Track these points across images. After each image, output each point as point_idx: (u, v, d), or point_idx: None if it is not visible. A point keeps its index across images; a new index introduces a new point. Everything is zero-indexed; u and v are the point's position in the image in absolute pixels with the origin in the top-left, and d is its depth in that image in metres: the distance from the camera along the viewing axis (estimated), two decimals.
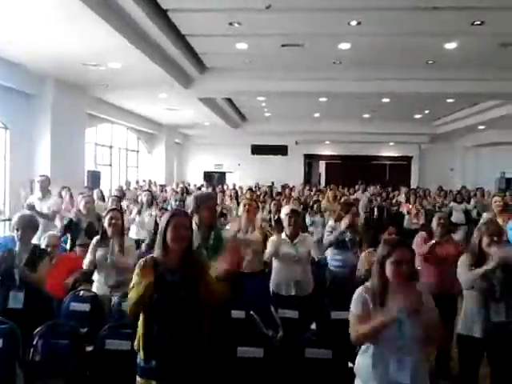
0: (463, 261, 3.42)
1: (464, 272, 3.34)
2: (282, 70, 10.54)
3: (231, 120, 17.71)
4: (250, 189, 11.31)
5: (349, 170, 21.82)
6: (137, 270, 2.57)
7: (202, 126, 18.73)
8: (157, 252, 2.62)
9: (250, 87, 11.16)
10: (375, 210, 10.01)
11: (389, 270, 2.36)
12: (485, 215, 6.53)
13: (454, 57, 9.17)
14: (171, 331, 2.47)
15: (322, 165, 24.08)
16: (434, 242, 4.28)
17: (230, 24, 7.55)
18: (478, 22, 7.27)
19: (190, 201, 3.67)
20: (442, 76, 10.34)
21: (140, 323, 2.55)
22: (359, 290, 2.46)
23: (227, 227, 5.00)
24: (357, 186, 14.36)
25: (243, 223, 4.81)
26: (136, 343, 2.56)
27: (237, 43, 8.65)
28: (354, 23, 7.44)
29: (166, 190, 12.88)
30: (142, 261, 2.62)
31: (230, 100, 15.02)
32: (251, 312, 3.54)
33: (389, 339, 2.27)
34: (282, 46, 8.76)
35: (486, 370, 3.41)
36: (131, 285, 2.54)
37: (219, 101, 14.21)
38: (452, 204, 10.99)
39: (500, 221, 5.61)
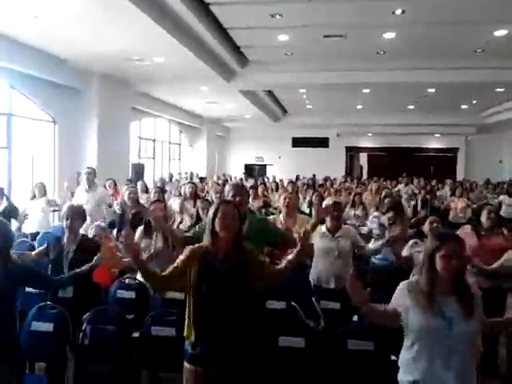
0: None
1: None
2: (324, 62, 10.44)
3: (272, 113, 17.70)
4: (292, 181, 11.28)
5: (392, 163, 21.40)
6: (183, 254, 2.64)
7: (243, 119, 18.84)
8: (206, 241, 2.65)
9: (292, 79, 11.12)
10: (419, 203, 9.77)
11: (439, 263, 2.26)
12: None
13: (504, 44, 8.82)
14: (221, 319, 2.51)
15: (364, 157, 23.74)
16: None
17: (272, 16, 7.54)
18: None
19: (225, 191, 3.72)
20: (492, 65, 9.99)
21: (189, 311, 2.60)
22: (402, 286, 2.39)
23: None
24: (400, 179, 14.08)
25: (283, 216, 4.80)
26: (186, 330, 2.61)
27: (278, 35, 8.63)
28: (398, 12, 7.28)
29: (206, 183, 13.02)
30: (190, 248, 2.67)
31: (271, 93, 15.02)
32: (292, 303, 3.56)
33: (437, 337, 2.20)
34: (324, 36, 8.67)
35: None
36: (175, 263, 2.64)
37: (260, 94, 14.22)
38: (502, 197, 10.60)
39: None
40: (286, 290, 3.92)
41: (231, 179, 15.01)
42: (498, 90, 12.83)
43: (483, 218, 4.34)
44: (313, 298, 3.66)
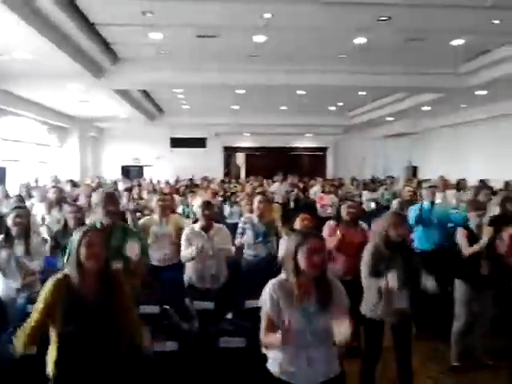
0: (368, 250, 3.56)
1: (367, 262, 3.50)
2: (198, 62, 10.42)
3: (148, 112, 17.28)
4: (168, 182, 11.16)
5: (268, 162, 22.11)
6: (45, 291, 2.41)
7: (118, 119, 18.11)
8: (71, 272, 2.45)
9: (166, 79, 10.93)
10: (291, 200, 10.22)
11: (301, 259, 2.34)
12: (394, 202, 6.91)
13: (363, 51, 9.51)
14: (87, 356, 2.34)
15: (242, 157, 24.25)
16: (339, 236, 4.42)
17: (143, 13, 7.34)
18: (385, 18, 7.59)
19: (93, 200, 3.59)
20: (353, 70, 10.71)
21: (52, 345, 2.40)
22: (269, 285, 2.43)
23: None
24: (275, 177, 14.59)
25: (157, 218, 4.73)
26: (49, 366, 2.40)
27: (150, 33, 8.42)
28: (267, 16, 7.48)
29: (78, 186, 12.29)
30: (52, 281, 2.44)
31: (146, 92, 14.66)
32: (166, 306, 3.49)
33: (300, 332, 2.28)
34: (198, 36, 8.66)
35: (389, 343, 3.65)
36: (36, 303, 2.39)
37: (134, 92, 13.81)
38: (364, 192, 11.48)
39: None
40: (160, 292, 3.86)
41: (106, 182, 14.40)
42: (360, 93, 13.88)
43: (343, 213, 4.66)
44: (186, 300, 3.63)
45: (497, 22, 7.64)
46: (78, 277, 2.41)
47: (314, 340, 2.30)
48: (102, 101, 13.80)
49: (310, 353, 2.30)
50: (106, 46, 9.38)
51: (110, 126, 20.41)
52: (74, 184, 11.97)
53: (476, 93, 12.06)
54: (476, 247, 4.18)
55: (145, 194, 9.82)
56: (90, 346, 2.36)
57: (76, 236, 2.49)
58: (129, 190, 8.45)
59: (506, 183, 10.24)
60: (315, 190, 11.65)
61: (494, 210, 4.25)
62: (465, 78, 10.94)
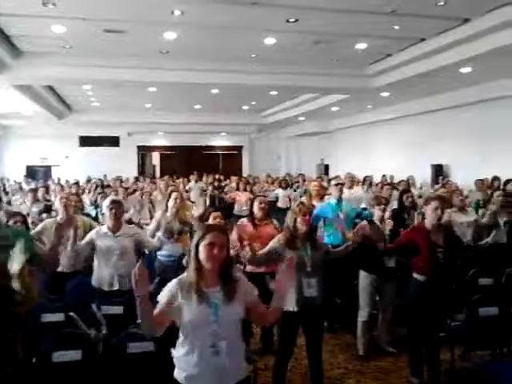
0: (277, 239, 3.69)
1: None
2: (106, 58, 10.02)
3: (55, 110, 16.35)
4: (76, 183, 10.68)
5: (183, 161, 21.93)
6: None
7: (22, 116, 16.94)
8: None
9: (71, 74, 10.37)
10: (207, 198, 10.23)
11: (202, 252, 2.33)
12: (302, 198, 7.11)
13: (274, 52, 9.70)
14: None
15: (157, 156, 23.82)
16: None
17: (44, 4, 6.94)
18: (293, 20, 7.79)
19: None
20: (264, 70, 10.86)
21: None
22: (173, 281, 2.40)
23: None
24: (191, 176, 14.53)
25: (61, 219, 4.50)
26: None
27: (52, 26, 7.98)
28: (177, 13, 7.39)
29: None
30: None
31: (51, 88, 13.88)
32: (71, 313, 3.33)
33: (203, 324, 2.28)
34: (105, 31, 8.35)
35: (302, 340, 3.74)
36: None
37: (39, 88, 13.02)
38: (278, 190, 11.73)
39: (316, 202, 6.20)
40: (65, 300, 3.68)
41: (8, 182, 13.51)
42: (272, 92, 14.12)
43: (255, 209, 4.74)
44: (93, 305, 3.49)
45: (397, 27, 8.12)
46: None
47: (220, 331, 2.30)
48: (4, 97, 12.88)
49: (216, 345, 2.29)
50: (5, 38, 8.77)
51: (14, 123, 19.07)
52: None
53: (380, 94, 12.73)
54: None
55: (52, 196, 9.31)
56: None
57: None
58: (33, 190, 7.95)
59: (407, 179, 10.90)
60: (231, 188, 11.73)
61: (393, 203, 4.55)
62: (369, 80, 11.52)
